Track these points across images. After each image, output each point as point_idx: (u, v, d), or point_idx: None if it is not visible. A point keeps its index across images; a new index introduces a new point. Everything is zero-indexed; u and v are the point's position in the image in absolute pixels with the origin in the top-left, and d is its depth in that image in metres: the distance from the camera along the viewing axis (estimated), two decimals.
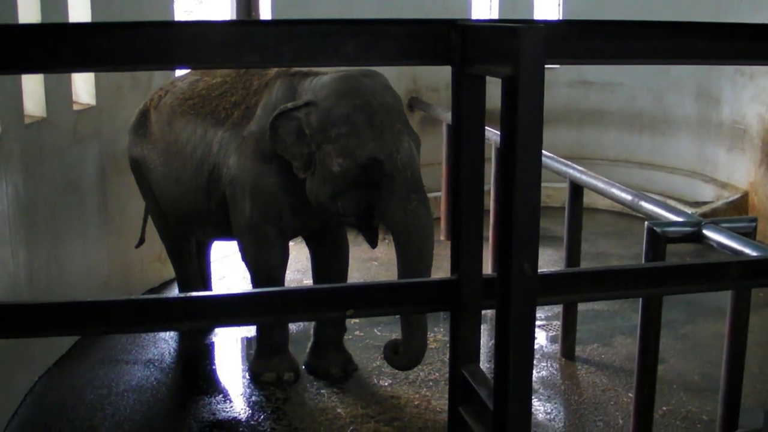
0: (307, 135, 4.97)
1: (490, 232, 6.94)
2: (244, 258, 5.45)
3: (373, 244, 5.12)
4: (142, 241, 6.43)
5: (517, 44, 1.94)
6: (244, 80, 5.46)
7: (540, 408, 5.20)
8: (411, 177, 4.85)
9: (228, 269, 7.54)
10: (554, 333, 6.23)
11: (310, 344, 5.71)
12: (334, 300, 2.63)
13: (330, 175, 4.92)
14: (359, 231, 5.13)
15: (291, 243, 5.46)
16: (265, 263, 5.35)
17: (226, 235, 5.75)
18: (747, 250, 3.49)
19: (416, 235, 4.83)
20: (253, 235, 5.30)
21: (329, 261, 5.65)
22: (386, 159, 4.83)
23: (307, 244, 5.76)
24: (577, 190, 5.57)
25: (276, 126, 4.99)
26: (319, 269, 5.70)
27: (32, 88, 5.52)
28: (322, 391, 5.41)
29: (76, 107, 6.15)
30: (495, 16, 10.37)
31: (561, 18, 10.36)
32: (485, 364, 5.27)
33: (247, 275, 5.65)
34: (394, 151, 4.83)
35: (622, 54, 2.49)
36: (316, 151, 4.97)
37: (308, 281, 6.87)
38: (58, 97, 5.78)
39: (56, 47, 2.12)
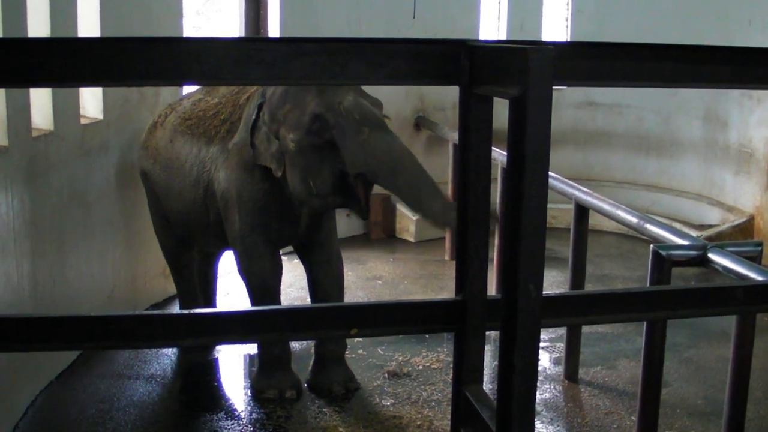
0: (269, 132, 5.10)
1: (495, 253, 6.93)
2: (239, 269, 5.54)
3: (363, 214, 5.09)
4: None
5: (526, 65, 1.94)
6: (234, 98, 5.59)
7: (543, 430, 5.17)
8: (360, 117, 4.86)
9: (232, 285, 7.54)
10: (558, 355, 6.21)
11: (312, 361, 5.70)
12: (338, 319, 2.62)
13: (291, 157, 5.01)
14: (346, 207, 5.15)
15: (295, 261, 5.47)
16: (257, 273, 5.42)
17: (226, 247, 5.83)
18: (752, 275, 3.48)
19: (375, 160, 4.81)
20: (243, 245, 5.39)
21: (324, 279, 5.66)
22: (327, 111, 4.88)
23: (302, 262, 5.79)
24: (582, 211, 5.56)
25: (253, 141, 5.18)
26: (315, 288, 5.71)
27: (40, 101, 5.53)
28: (324, 409, 5.39)
29: (83, 121, 6.17)
30: (503, 36, 10.41)
31: (569, 39, 10.38)
32: (488, 385, 5.24)
33: None
34: (335, 103, 4.88)
35: (631, 77, 2.49)
36: (279, 142, 5.05)
37: None
38: (66, 111, 5.80)
39: (65, 62, 2.12)
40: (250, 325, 2.60)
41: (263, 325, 2.63)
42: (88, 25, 6.13)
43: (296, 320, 2.65)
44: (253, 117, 5.19)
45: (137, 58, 2.13)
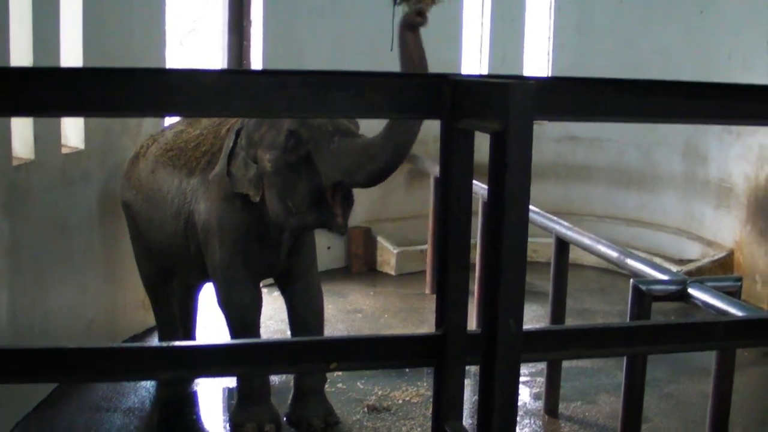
0: (246, 157, 5.12)
1: (475, 286, 6.92)
2: (219, 300, 5.53)
3: (341, 230, 5.06)
4: None
5: (507, 100, 1.94)
6: (215, 130, 5.60)
7: None
8: (332, 127, 4.88)
9: (212, 318, 7.50)
10: (538, 389, 6.19)
11: (291, 395, 5.67)
12: (317, 353, 2.60)
13: (269, 178, 5.02)
14: (324, 226, 5.11)
15: (275, 294, 5.46)
16: (237, 304, 5.40)
17: (207, 278, 5.79)
18: (732, 310, 3.49)
19: (348, 161, 4.80)
20: (223, 276, 5.38)
21: (304, 312, 5.64)
22: (301, 126, 4.91)
23: (282, 294, 5.77)
24: (563, 245, 5.57)
25: (230, 169, 5.20)
26: (295, 320, 5.69)
27: (21, 130, 5.52)
28: None
29: (64, 150, 6.16)
30: (485, 70, 10.46)
31: (550, 73, 10.45)
32: (468, 420, 5.22)
33: None
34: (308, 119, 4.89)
35: (612, 112, 2.50)
36: (257, 165, 5.06)
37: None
38: (47, 140, 5.78)
39: (47, 92, 2.11)
40: (230, 358, 2.58)
41: (242, 358, 2.60)
42: (71, 54, 6.13)
43: (276, 354, 2.63)
44: (231, 144, 5.22)
45: (119, 89, 2.13)
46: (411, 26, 4.26)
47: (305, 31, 9.15)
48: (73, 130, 6.35)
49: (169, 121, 6.46)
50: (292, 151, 4.94)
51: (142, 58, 6.86)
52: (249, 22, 8.81)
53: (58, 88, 2.13)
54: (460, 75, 2.29)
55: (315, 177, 4.90)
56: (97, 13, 6.39)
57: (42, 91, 2.12)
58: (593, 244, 5.14)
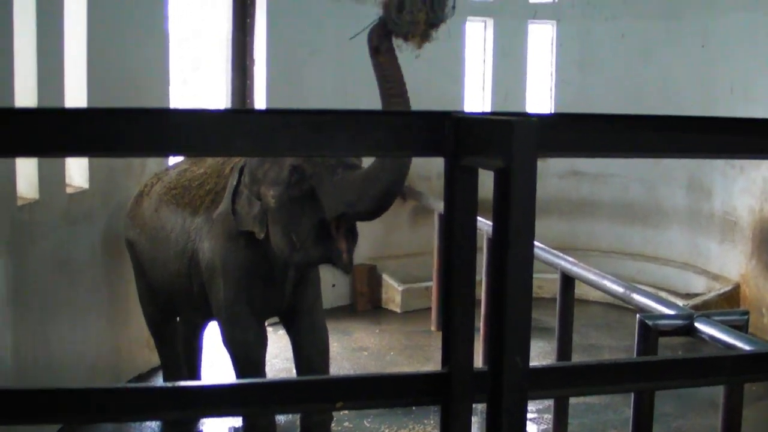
0: (250, 194, 5.13)
1: (481, 323, 6.90)
2: (223, 339, 5.52)
3: (346, 268, 5.06)
4: None
5: (510, 137, 1.94)
6: (219, 169, 5.60)
7: None
8: (335, 161, 4.86)
9: (217, 357, 7.47)
10: (545, 426, 6.15)
11: None
12: (323, 392, 2.59)
13: (273, 214, 5.01)
14: (329, 261, 5.09)
15: (280, 332, 5.44)
16: (241, 343, 5.39)
17: (211, 317, 5.78)
18: (739, 344, 3.47)
19: (351, 192, 4.77)
20: (227, 315, 5.38)
21: (309, 350, 5.63)
22: (305, 161, 4.91)
23: (287, 332, 5.75)
24: (568, 281, 5.55)
25: (234, 207, 5.20)
26: (300, 358, 5.66)
27: (26, 169, 5.53)
28: None
29: (69, 190, 6.17)
30: (488, 106, 10.49)
31: (553, 109, 10.48)
32: None
33: None
34: None
35: (615, 147, 2.50)
36: (260, 202, 5.06)
37: None
38: (52, 180, 5.80)
39: (51, 132, 2.12)
40: (235, 398, 2.56)
41: (248, 398, 2.59)
42: (75, 93, 6.16)
43: (282, 393, 2.62)
44: (234, 183, 5.22)
45: (123, 130, 2.13)
46: (376, 49, 4.26)
47: (308, 70, 9.20)
48: (77, 170, 6.37)
49: (174, 160, 6.48)
50: (295, 186, 4.94)
51: (146, 97, 6.89)
52: (252, 61, 8.86)
53: (62, 128, 2.13)
54: (462, 112, 2.29)
55: (319, 212, 4.91)
56: (100, 52, 6.43)
57: (46, 131, 2.12)
58: (599, 280, 5.12)
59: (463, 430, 2.50)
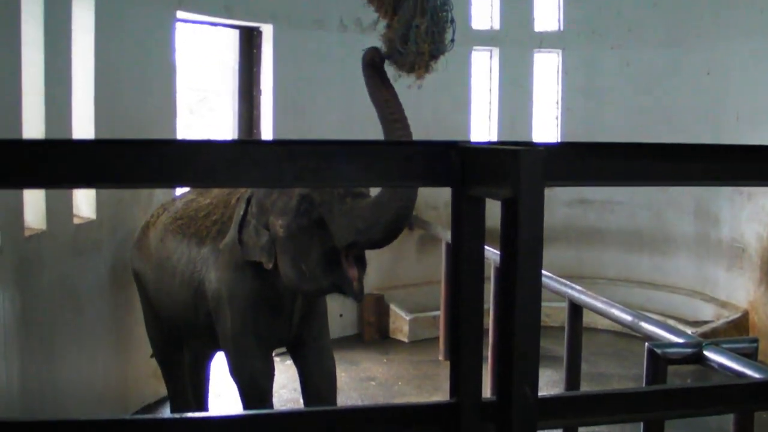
0: (258, 225, 5.11)
1: (489, 352, 6.87)
2: (230, 370, 5.50)
3: (357, 296, 5.02)
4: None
5: (517, 167, 1.94)
6: (226, 199, 5.60)
7: None
8: (343, 190, 4.83)
9: (224, 387, 7.45)
10: None
11: None
12: (330, 422, 2.58)
13: (281, 244, 4.99)
14: (339, 290, 5.07)
15: (288, 362, 5.43)
16: (249, 373, 5.37)
17: (218, 348, 5.76)
18: (749, 372, 3.45)
19: (361, 220, 4.74)
20: (234, 345, 5.36)
21: (317, 380, 5.60)
22: (313, 190, 4.88)
23: (295, 363, 5.74)
24: (576, 310, 5.53)
25: (241, 237, 5.18)
26: (308, 389, 5.65)
27: (33, 200, 5.55)
28: None
29: (76, 221, 6.18)
30: (494, 136, 10.51)
31: (559, 138, 10.50)
32: None
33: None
34: None
35: (621, 176, 2.50)
36: (269, 232, 5.04)
37: None
38: (59, 211, 5.81)
39: (58, 164, 2.12)
40: (242, 429, 2.55)
41: (255, 429, 2.58)
42: (83, 124, 6.19)
43: (289, 424, 2.61)
44: (242, 213, 5.22)
45: (130, 161, 2.13)
46: (371, 63, 4.26)
47: (315, 100, 9.23)
48: (84, 201, 6.39)
49: (181, 190, 6.49)
50: (304, 215, 4.94)
51: (153, 128, 6.93)
52: (259, 91, 8.90)
53: (70, 160, 2.13)
54: (469, 142, 2.30)
55: (328, 240, 4.90)
56: (108, 83, 6.47)
57: (53, 163, 2.13)
58: (607, 308, 5.10)
59: None
